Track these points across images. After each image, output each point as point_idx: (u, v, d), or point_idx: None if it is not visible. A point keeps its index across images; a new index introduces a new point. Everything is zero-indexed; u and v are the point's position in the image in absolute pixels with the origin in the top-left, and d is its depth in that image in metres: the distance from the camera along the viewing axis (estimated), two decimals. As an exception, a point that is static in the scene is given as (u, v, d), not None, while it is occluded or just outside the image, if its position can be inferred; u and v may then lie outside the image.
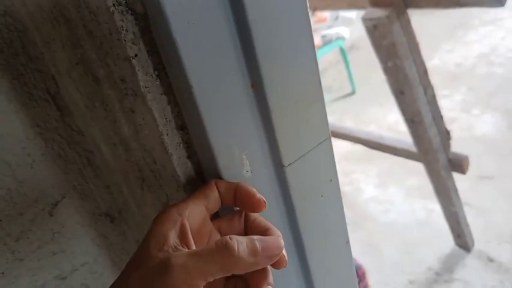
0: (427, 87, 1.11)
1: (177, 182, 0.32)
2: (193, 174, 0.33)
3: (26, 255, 0.47)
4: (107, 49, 0.28)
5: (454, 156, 1.28)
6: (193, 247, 0.27)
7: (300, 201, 0.35)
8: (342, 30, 2.92)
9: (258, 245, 0.26)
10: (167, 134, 0.30)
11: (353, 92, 3.14)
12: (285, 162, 0.33)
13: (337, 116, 2.87)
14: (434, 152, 1.22)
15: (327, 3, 1.19)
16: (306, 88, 0.33)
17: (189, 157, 0.32)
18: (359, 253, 1.76)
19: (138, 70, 0.27)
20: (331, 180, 0.37)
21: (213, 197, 0.30)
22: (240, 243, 0.26)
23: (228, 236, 0.26)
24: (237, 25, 0.28)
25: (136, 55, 0.27)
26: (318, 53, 2.85)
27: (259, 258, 0.26)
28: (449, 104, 2.57)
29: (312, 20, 2.72)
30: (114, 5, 0.25)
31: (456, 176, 1.39)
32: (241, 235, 0.31)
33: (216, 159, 0.30)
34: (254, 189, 0.30)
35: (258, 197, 0.30)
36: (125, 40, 0.26)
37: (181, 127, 0.31)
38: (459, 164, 1.26)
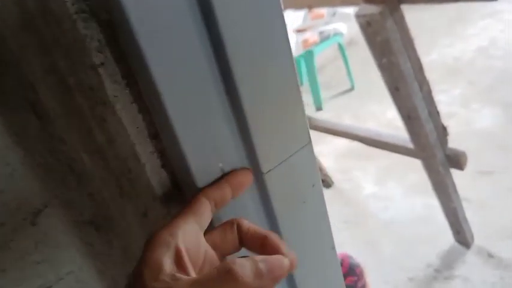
0: (423, 83, 1.09)
1: (152, 192, 0.31)
2: (168, 184, 0.32)
3: (8, 265, 0.46)
4: (74, 57, 0.28)
5: (452, 152, 1.26)
6: (191, 272, 0.25)
7: (281, 208, 0.34)
8: (339, 26, 2.91)
9: (262, 267, 0.25)
10: (139, 143, 0.29)
11: (352, 88, 3.13)
12: (264, 169, 0.32)
13: (335, 112, 2.86)
14: (431, 148, 1.21)
15: (321, 0, 1.17)
16: (283, 93, 0.32)
17: (163, 166, 0.31)
18: (358, 250, 1.75)
19: (105, 79, 0.26)
20: (313, 186, 0.36)
21: (204, 212, 0.29)
22: (243, 267, 0.24)
23: (230, 260, 0.24)
24: (207, 30, 0.27)
25: (102, 63, 0.26)
26: (316, 50, 2.84)
27: (264, 281, 0.25)
28: (448, 98, 2.55)
29: (309, 16, 2.70)
30: (77, 12, 0.24)
31: (455, 171, 1.38)
32: (236, 247, 0.30)
33: (191, 168, 0.29)
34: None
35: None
36: (90, 48, 0.25)
37: (155, 135, 0.30)
38: (457, 160, 1.25)
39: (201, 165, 0.30)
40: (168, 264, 0.24)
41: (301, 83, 3.42)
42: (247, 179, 0.32)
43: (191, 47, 0.27)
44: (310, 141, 0.35)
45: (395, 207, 1.91)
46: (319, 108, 2.98)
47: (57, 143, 0.46)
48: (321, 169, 2.12)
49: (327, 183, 2.16)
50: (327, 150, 2.37)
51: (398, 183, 2.03)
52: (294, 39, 2.73)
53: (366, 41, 1.01)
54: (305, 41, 2.75)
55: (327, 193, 2.10)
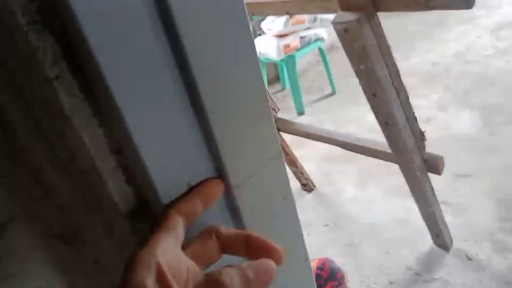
0: (400, 90, 1.10)
1: (116, 208, 0.30)
2: (133, 200, 0.31)
3: (-31, 283, 0.44)
4: (28, 69, 0.26)
5: (429, 157, 1.28)
6: None
7: (251, 222, 0.34)
8: (320, 32, 2.93)
9: (250, 274, 0.24)
10: (100, 159, 0.28)
11: (333, 93, 3.15)
12: (233, 182, 0.32)
13: (317, 117, 2.87)
14: (408, 153, 1.22)
15: (300, 7, 1.17)
16: (251, 104, 0.31)
17: (127, 182, 0.30)
18: (339, 254, 1.76)
19: (60, 92, 0.25)
20: (284, 198, 0.36)
21: (178, 226, 0.28)
22: (231, 276, 0.24)
23: (216, 271, 0.24)
24: (168, 40, 0.26)
25: (58, 76, 0.25)
26: (297, 55, 2.85)
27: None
28: (426, 103, 2.59)
29: (290, 22, 2.71)
30: (28, 23, 0.23)
31: (433, 174, 1.40)
32: (217, 255, 0.29)
33: (155, 184, 0.28)
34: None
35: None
36: (44, 61, 0.24)
37: (117, 150, 0.29)
38: (434, 165, 1.27)
39: (166, 181, 0.29)
40: (151, 285, 0.23)
41: (284, 88, 3.43)
42: (217, 189, 0.31)
43: (152, 58, 0.26)
44: (280, 154, 0.34)
45: (375, 210, 1.92)
46: (301, 112, 2.99)
47: (21, 154, 0.44)
48: (302, 173, 2.12)
49: (309, 187, 2.16)
50: (309, 155, 2.38)
51: (378, 187, 2.05)
52: (275, 44, 2.73)
53: (343, 47, 1.02)
54: (286, 46, 2.76)
55: (308, 197, 2.10)
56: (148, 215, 0.32)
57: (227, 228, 0.30)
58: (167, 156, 0.28)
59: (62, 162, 0.34)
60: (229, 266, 0.26)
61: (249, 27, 0.29)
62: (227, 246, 0.29)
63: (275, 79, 3.53)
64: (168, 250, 0.26)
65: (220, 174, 0.31)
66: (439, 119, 2.43)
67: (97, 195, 0.32)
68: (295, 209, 0.37)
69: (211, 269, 0.29)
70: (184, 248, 0.28)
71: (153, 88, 0.26)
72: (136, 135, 0.26)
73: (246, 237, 0.29)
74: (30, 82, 0.28)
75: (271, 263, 0.26)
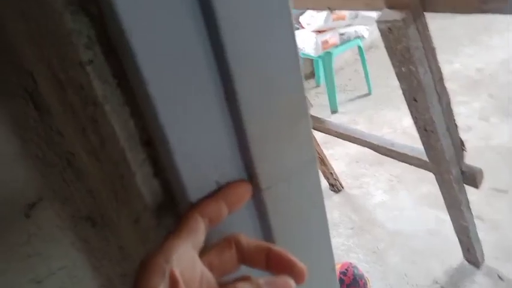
0: (442, 95, 1.05)
1: (142, 200, 0.29)
2: (161, 194, 0.30)
3: (-3, 257, 0.45)
4: (63, 52, 0.25)
5: (468, 169, 1.22)
6: None
7: (280, 227, 0.32)
8: (361, 29, 2.85)
9: None
10: (130, 150, 0.27)
11: (369, 93, 3.07)
12: (263, 185, 0.30)
13: (350, 116, 2.81)
14: (446, 163, 1.17)
15: (342, 3, 1.14)
16: (288, 104, 0.29)
17: (156, 175, 0.29)
18: (363, 259, 1.72)
19: (93, 78, 0.24)
20: (315, 205, 0.34)
21: (199, 230, 0.27)
22: None
23: (231, 286, 0.23)
24: (207, 30, 0.25)
25: (91, 61, 0.24)
26: (335, 52, 2.79)
27: None
28: (467, 111, 2.48)
29: (331, 17, 2.66)
30: (64, 4, 0.22)
31: (469, 187, 1.33)
32: (235, 266, 0.28)
33: (183, 180, 0.27)
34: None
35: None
36: (78, 44, 0.23)
37: (148, 142, 0.28)
38: (472, 178, 1.21)
39: (195, 178, 0.28)
40: None
41: (318, 84, 3.38)
42: (245, 193, 0.29)
43: (189, 49, 0.24)
44: (315, 157, 0.32)
45: (404, 217, 1.87)
46: (334, 110, 2.94)
47: (55, 136, 0.44)
48: (331, 173, 2.08)
49: (337, 188, 2.12)
50: (339, 154, 2.34)
51: (410, 194, 1.98)
52: (313, 40, 2.69)
53: (385, 47, 0.98)
54: (325, 42, 2.70)
55: (335, 198, 2.06)
56: (174, 210, 0.31)
57: (249, 238, 0.28)
58: (198, 152, 0.27)
59: (94, 149, 0.34)
60: (244, 279, 0.24)
61: (291, 21, 0.27)
62: (246, 257, 0.27)
63: (310, 75, 3.48)
64: (184, 257, 0.25)
65: (251, 175, 0.30)
66: (479, 129, 2.32)
67: (125, 185, 0.31)
68: (325, 215, 0.35)
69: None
70: (201, 254, 0.27)
71: (188, 80, 0.25)
72: (168, 128, 0.25)
73: (267, 250, 0.27)
74: (64, 65, 0.27)
75: (290, 281, 0.24)
